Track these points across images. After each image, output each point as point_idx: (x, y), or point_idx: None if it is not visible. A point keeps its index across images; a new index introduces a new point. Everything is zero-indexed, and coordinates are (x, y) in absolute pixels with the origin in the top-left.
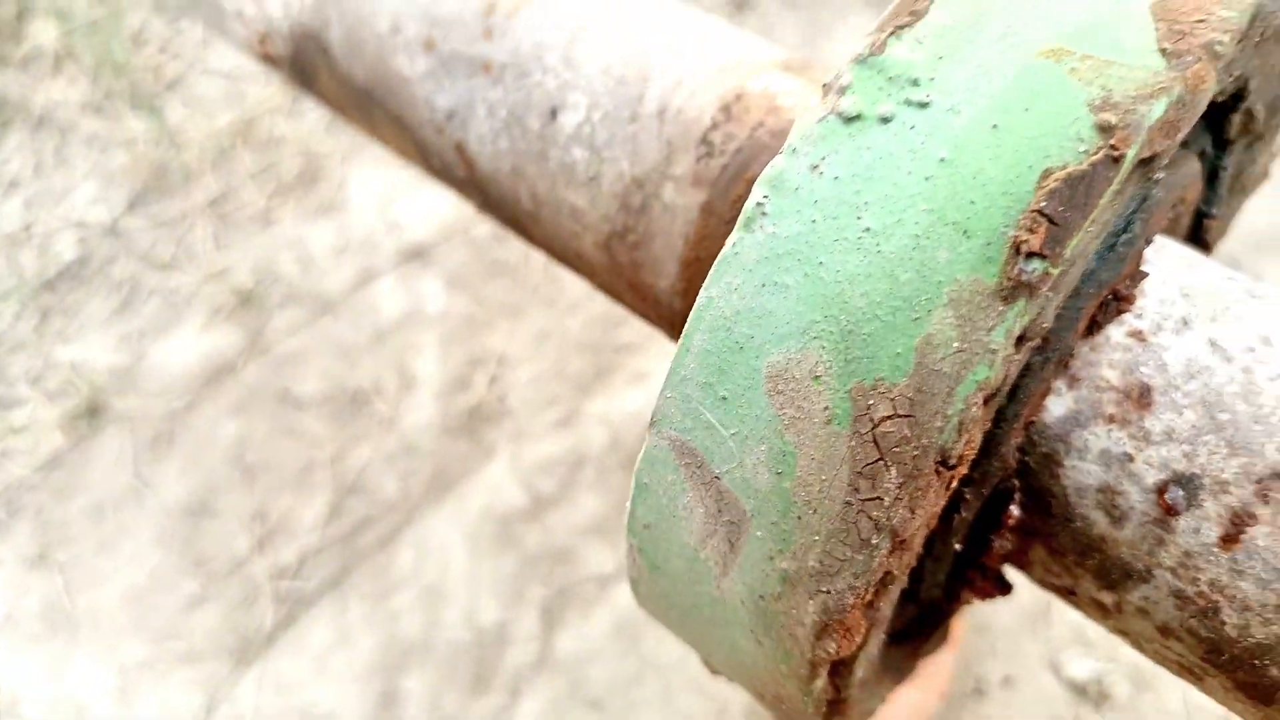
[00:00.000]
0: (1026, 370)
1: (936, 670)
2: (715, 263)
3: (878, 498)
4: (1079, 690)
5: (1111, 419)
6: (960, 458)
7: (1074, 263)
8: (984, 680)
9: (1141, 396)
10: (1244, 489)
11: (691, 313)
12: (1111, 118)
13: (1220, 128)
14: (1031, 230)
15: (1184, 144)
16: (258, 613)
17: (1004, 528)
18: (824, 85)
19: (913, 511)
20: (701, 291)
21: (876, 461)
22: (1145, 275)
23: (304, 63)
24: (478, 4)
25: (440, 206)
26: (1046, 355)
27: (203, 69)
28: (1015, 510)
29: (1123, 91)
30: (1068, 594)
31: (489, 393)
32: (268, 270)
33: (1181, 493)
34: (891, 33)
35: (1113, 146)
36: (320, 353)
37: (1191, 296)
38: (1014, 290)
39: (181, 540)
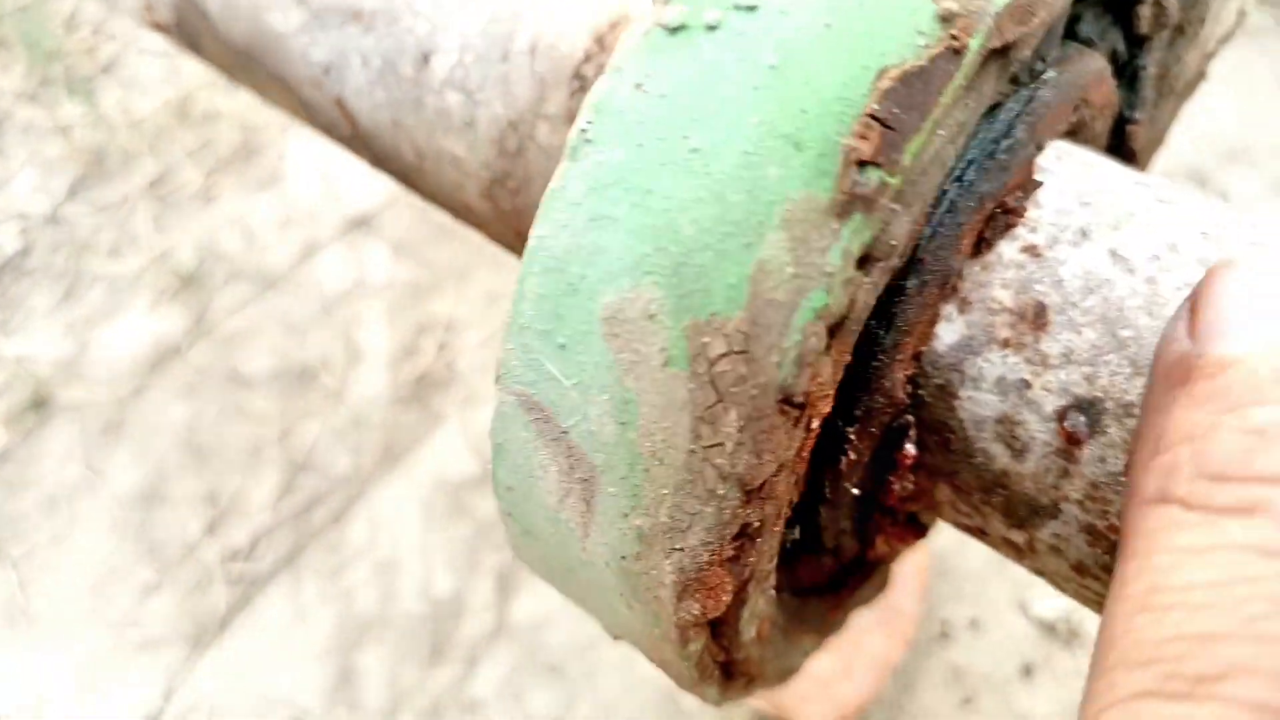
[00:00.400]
0: (901, 294)
1: (901, 617)
2: (544, 198)
3: (720, 444)
4: (1048, 629)
5: (1006, 343)
6: (807, 395)
7: (925, 170)
8: (950, 624)
9: (1037, 316)
10: None
11: (524, 255)
12: (953, 5)
13: (1130, 22)
14: (864, 136)
15: (1085, 40)
16: (212, 596)
17: (901, 468)
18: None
19: (759, 457)
20: (531, 231)
21: (716, 404)
22: (1039, 185)
23: (188, 28)
24: None
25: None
26: (923, 278)
27: (138, 49)
28: (911, 449)
29: None
30: (980, 534)
31: (437, 359)
32: (210, 249)
33: (1083, 419)
34: None
35: (954, 36)
36: (266, 329)
37: (1093, 205)
38: (849, 204)
39: (135, 528)
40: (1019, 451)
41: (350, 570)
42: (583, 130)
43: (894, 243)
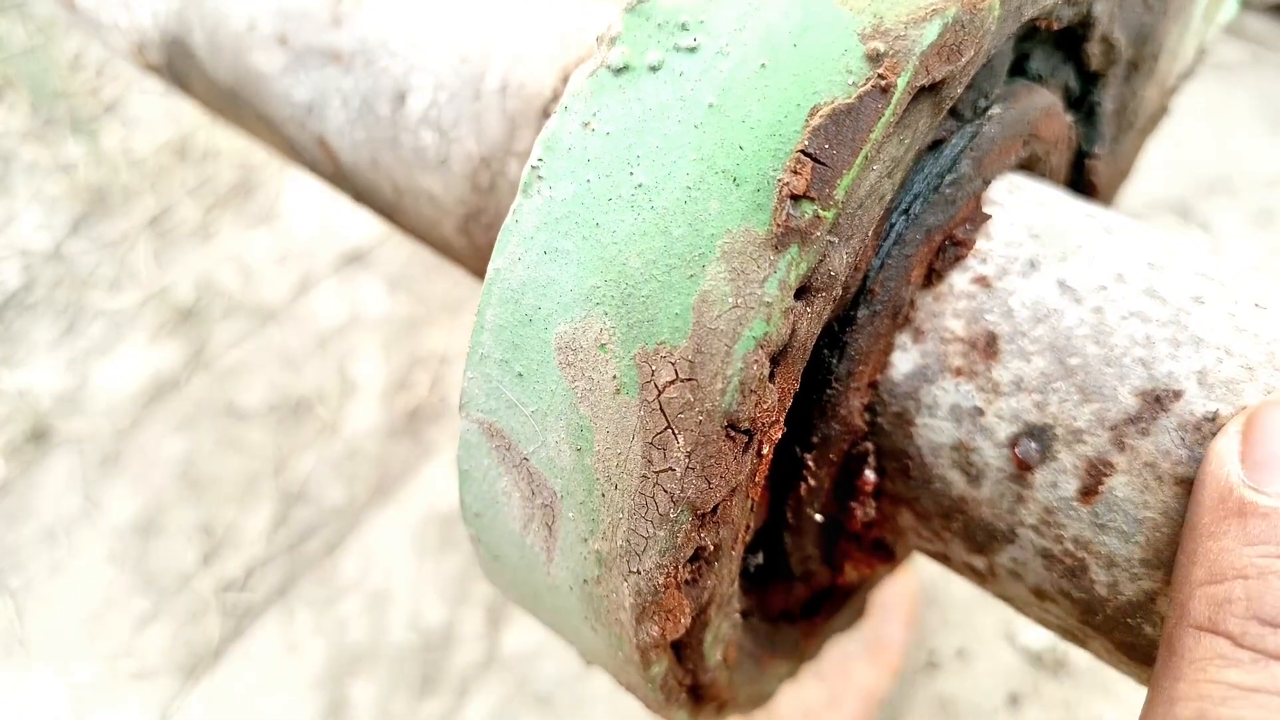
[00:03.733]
0: (851, 324)
1: (888, 647)
2: (500, 232)
3: (670, 469)
4: (1035, 659)
5: (959, 371)
6: (754, 421)
7: (862, 204)
8: (938, 654)
9: (988, 345)
10: (1099, 437)
11: (483, 286)
12: (880, 45)
13: (1080, 59)
14: (796, 172)
15: (1035, 76)
16: (206, 627)
17: (862, 494)
18: (597, 38)
19: (709, 482)
20: (490, 264)
21: (665, 430)
22: (987, 217)
23: (178, 69)
24: None
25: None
26: (874, 308)
27: (139, 89)
28: (870, 475)
29: (894, 17)
30: (944, 560)
31: (431, 393)
32: (209, 284)
33: (1034, 445)
34: None
35: (881, 75)
36: (263, 363)
37: (1041, 237)
38: (784, 237)
39: (132, 559)
40: (974, 477)
41: (342, 601)
42: (534, 167)
43: (833, 273)
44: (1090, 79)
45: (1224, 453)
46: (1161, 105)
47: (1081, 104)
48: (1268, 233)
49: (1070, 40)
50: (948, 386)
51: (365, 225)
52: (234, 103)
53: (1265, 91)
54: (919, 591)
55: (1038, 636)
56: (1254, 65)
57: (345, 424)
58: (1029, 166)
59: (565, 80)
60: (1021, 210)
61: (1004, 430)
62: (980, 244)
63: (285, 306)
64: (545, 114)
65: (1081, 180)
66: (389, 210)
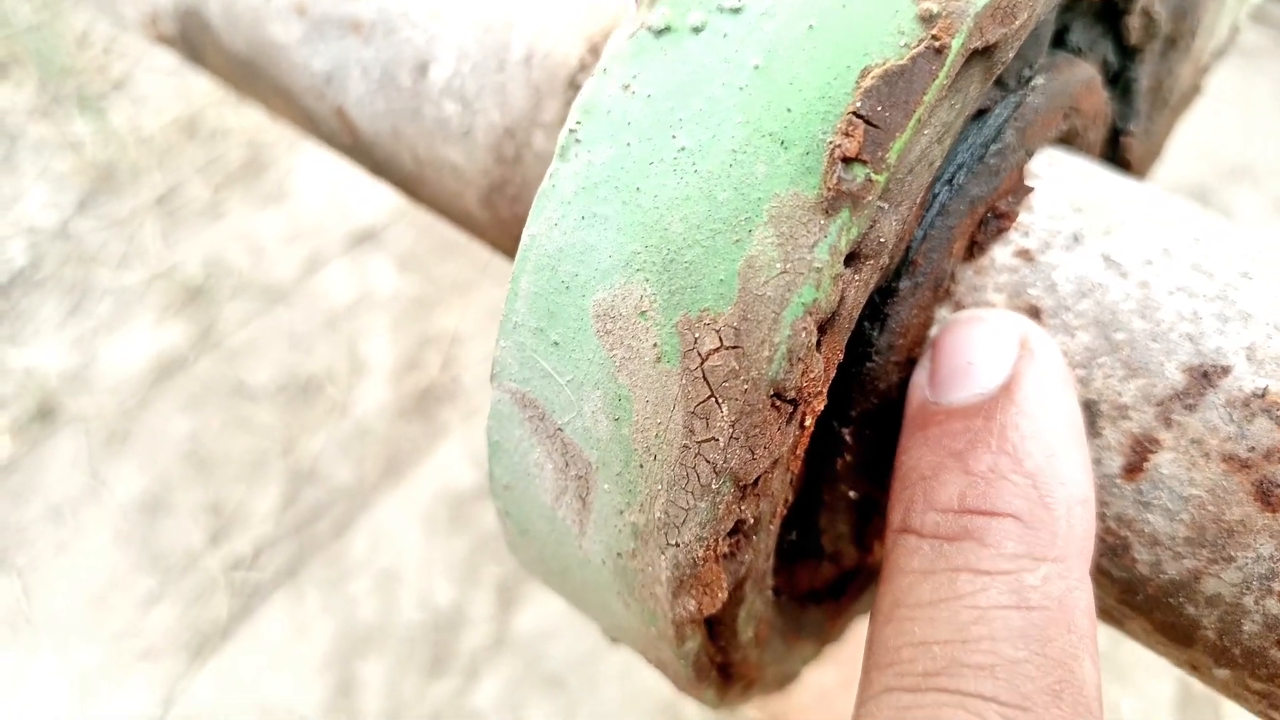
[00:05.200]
0: (893, 296)
1: None
2: (535, 197)
3: (713, 438)
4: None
5: None
6: (800, 390)
7: (912, 169)
8: None
9: (1031, 319)
10: (1144, 413)
11: (517, 253)
12: (933, 6)
13: (1120, 32)
14: (848, 134)
15: (1075, 49)
16: (214, 606)
17: None
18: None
19: (752, 452)
20: (524, 230)
21: (708, 399)
22: (1030, 190)
23: (192, 40)
24: None
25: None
26: (916, 279)
27: (147, 66)
28: None
29: None
30: None
31: (441, 373)
32: (218, 263)
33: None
34: None
35: (935, 36)
36: (272, 342)
37: (1085, 211)
38: (835, 201)
39: (138, 538)
40: None
41: (352, 581)
42: (572, 130)
43: (883, 240)
44: (1128, 54)
45: (917, 381)
46: (1195, 84)
47: (1118, 80)
48: None
49: (1111, 13)
50: None
51: (375, 204)
52: (250, 74)
53: None
54: None
55: None
56: (1276, 52)
57: (355, 404)
58: (1067, 140)
59: (592, 50)
60: (1064, 184)
61: None
62: (1023, 217)
63: (294, 286)
64: (571, 84)
65: (1116, 157)
66: (409, 182)
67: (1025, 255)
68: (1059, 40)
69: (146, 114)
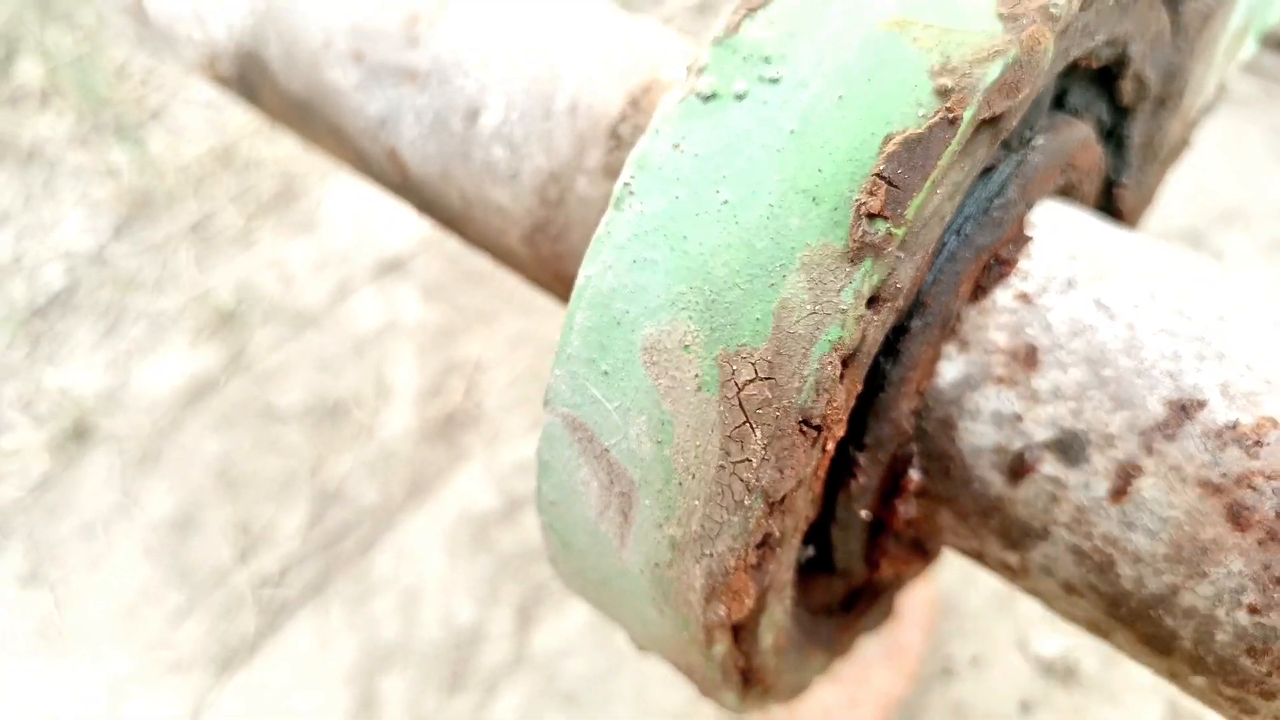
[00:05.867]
0: (905, 334)
1: (906, 652)
2: (591, 242)
3: (746, 459)
4: (1047, 667)
5: (1001, 380)
6: (824, 418)
7: (926, 223)
8: (953, 660)
9: (1028, 357)
10: (1129, 442)
11: (573, 292)
12: (948, 81)
13: (1114, 94)
14: (872, 193)
15: (1072, 110)
16: (241, 621)
17: (905, 493)
18: (686, 67)
19: (781, 472)
20: (580, 271)
21: (743, 424)
22: (1030, 239)
23: (249, 81)
24: (401, 15)
25: (415, 219)
26: (926, 319)
27: (184, 99)
28: (915, 475)
29: (960, 56)
30: (978, 557)
31: (465, 399)
32: (249, 289)
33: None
34: (745, 14)
35: (949, 109)
36: (301, 367)
37: (1079, 258)
38: (860, 251)
39: (168, 554)
40: (1013, 479)
41: (376, 599)
42: (626, 184)
43: (900, 285)
44: (1121, 113)
45: None
46: (1184, 138)
47: (1112, 136)
48: (1277, 263)
49: (1105, 77)
50: (990, 394)
51: (403, 235)
52: (305, 115)
53: (1277, 126)
54: (937, 600)
55: (1050, 645)
56: (1266, 100)
57: (381, 427)
58: (1065, 193)
59: (632, 103)
60: (1061, 233)
61: (1041, 434)
62: (1023, 263)
63: (324, 312)
64: (613, 134)
65: (1110, 207)
66: (455, 221)
67: (1024, 298)
68: (1059, 101)
69: (183, 144)
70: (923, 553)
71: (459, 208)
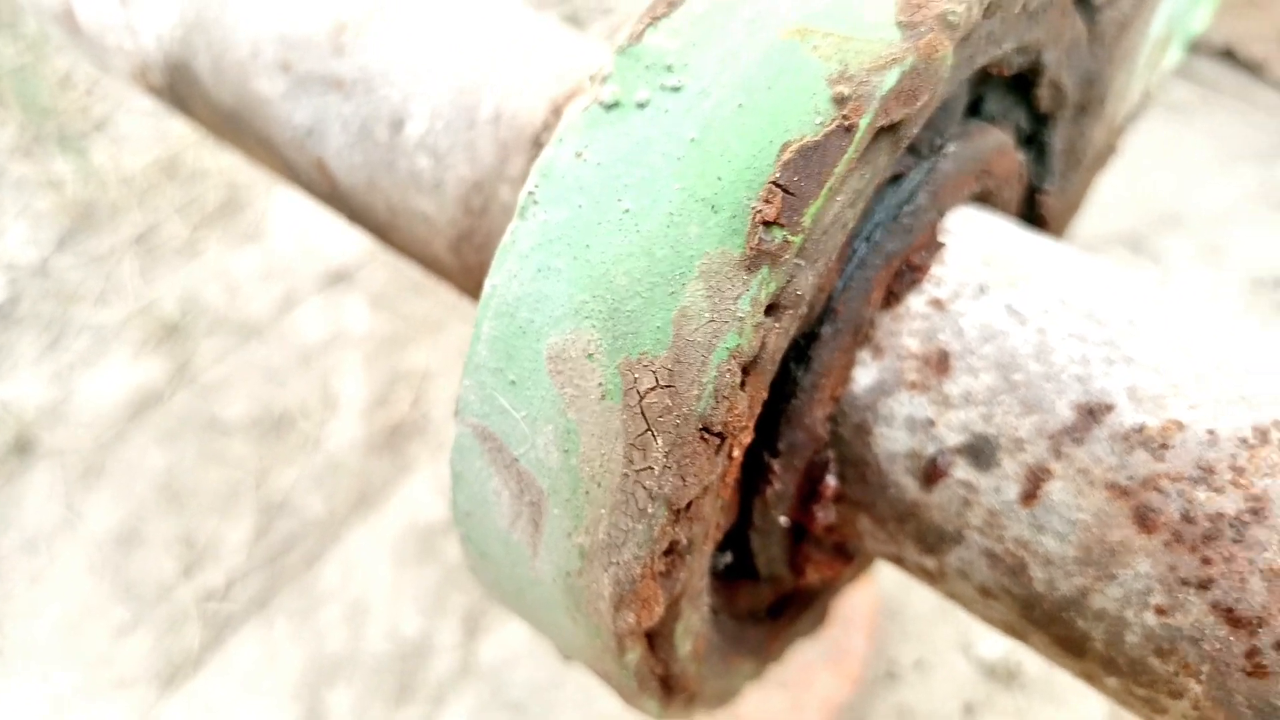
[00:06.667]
0: (816, 340)
1: (850, 656)
2: (496, 251)
3: (649, 467)
4: (990, 670)
5: (914, 385)
6: (726, 425)
7: (827, 231)
8: (896, 664)
9: (940, 362)
10: (1038, 446)
11: (480, 301)
12: (845, 89)
13: (1031, 101)
14: (768, 201)
15: (989, 117)
16: (186, 636)
17: (823, 498)
18: (590, 76)
19: (684, 479)
20: (486, 280)
21: (645, 432)
22: (942, 245)
23: (180, 92)
24: (329, 24)
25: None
26: (837, 325)
27: (128, 108)
28: (832, 481)
29: (858, 64)
30: (898, 561)
31: (412, 409)
32: (194, 300)
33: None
34: (649, 23)
35: (845, 116)
36: (246, 378)
37: (991, 264)
38: (757, 259)
39: (112, 569)
40: (926, 483)
41: (322, 612)
42: (530, 193)
43: (800, 292)
44: (1041, 120)
45: None
46: (1109, 144)
47: (1033, 142)
48: (1215, 266)
49: (1022, 84)
50: (904, 399)
51: (349, 245)
52: (235, 125)
53: (1215, 131)
54: (880, 604)
55: (993, 648)
56: (1204, 106)
57: (327, 438)
58: (983, 200)
59: (555, 112)
60: (974, 239)
61: (953, 439)
62: (935, 269)
63: (269, 323)
64: (536, 143)
65: (1033, 213)
66: (383, 230)
67: (937, 304)
68: (975, 109)
69: (127, 154)
70: (847, 557)
71: (386, 217)
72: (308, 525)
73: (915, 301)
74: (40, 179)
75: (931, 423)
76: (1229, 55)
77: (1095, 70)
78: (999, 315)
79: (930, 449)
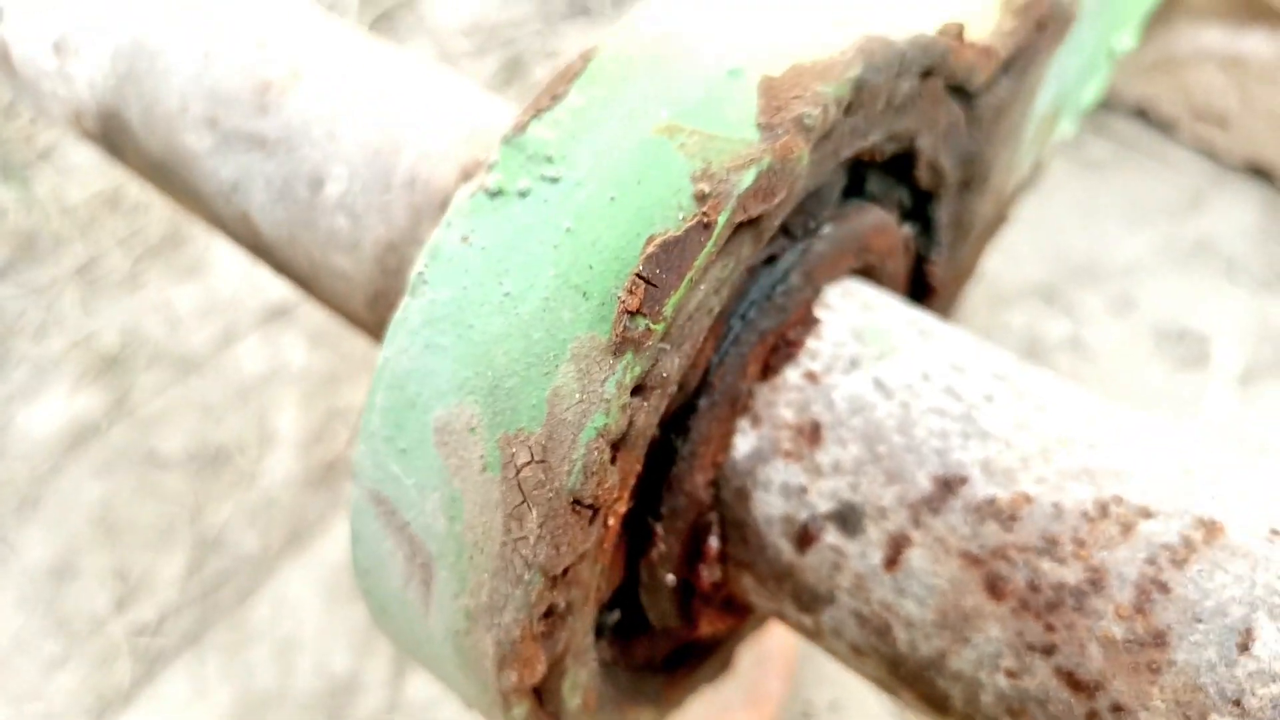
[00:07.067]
0: (694, 412)
1: (765, 698)
2: (389, 326)
3: (525, 537)
4: (902, 710)
5: (789, 454)
6: (597, 498)
7: (692, 316)
8: (812, 705)
9: (813, 433)
10: (900, 514)
11: (374, 373)
12: (706, 187)
13: (913, 181)
14: (632, 291)
15: (871, 196)
16: (117, 671)
17: (708, 558)
18: (477, 162)
19: (558, 549)
20: (380, 352)
21: (521, 504)
22: (817, 321)
23: (112, 139)
24: (254, 83)
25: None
26: (714, 398)
27: (73, 139)
28: (714, 542)
29: (719, 163)
30: (781, 617)
31: (348, 446)
32: (134, 333)
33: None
34: (533, 115)
35: (705, 213)
36: (184, 412)
37: (864, 338)
38: (622, 345)
39: (44, 602)
40: (799, 547)
41: (252, 648)
42: (420, 273)
43: (665, 375)
44: (923, 196)
45: None
46: (999, 214)
47: (918, 216)
48: (1126, 318)
49: (902, 165)
50: (779, 466)
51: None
52: (165, 175)
53: (1128, 187)
54: (796, 647)
55: None
56: (1117, 162)
57: (263, 474)
58: (867, 273)
59: (465, 177)
60: (849, 314)
61: (824, 506)
62: (811, 343)
63: (209, 357)
64: (444, 207)
65: (922, 283)
66: (305, 283)
67: (811, 377)
68: (859, 188)
69: (71, 185)
70: (739, 611)
71: (308, 271)
72: (241, 561)
73: (791, 374)
74: None
75: (804, 489)
76: (1141, 115)
77: (975, 150)
78: (867, 388)
79: (803, 514)
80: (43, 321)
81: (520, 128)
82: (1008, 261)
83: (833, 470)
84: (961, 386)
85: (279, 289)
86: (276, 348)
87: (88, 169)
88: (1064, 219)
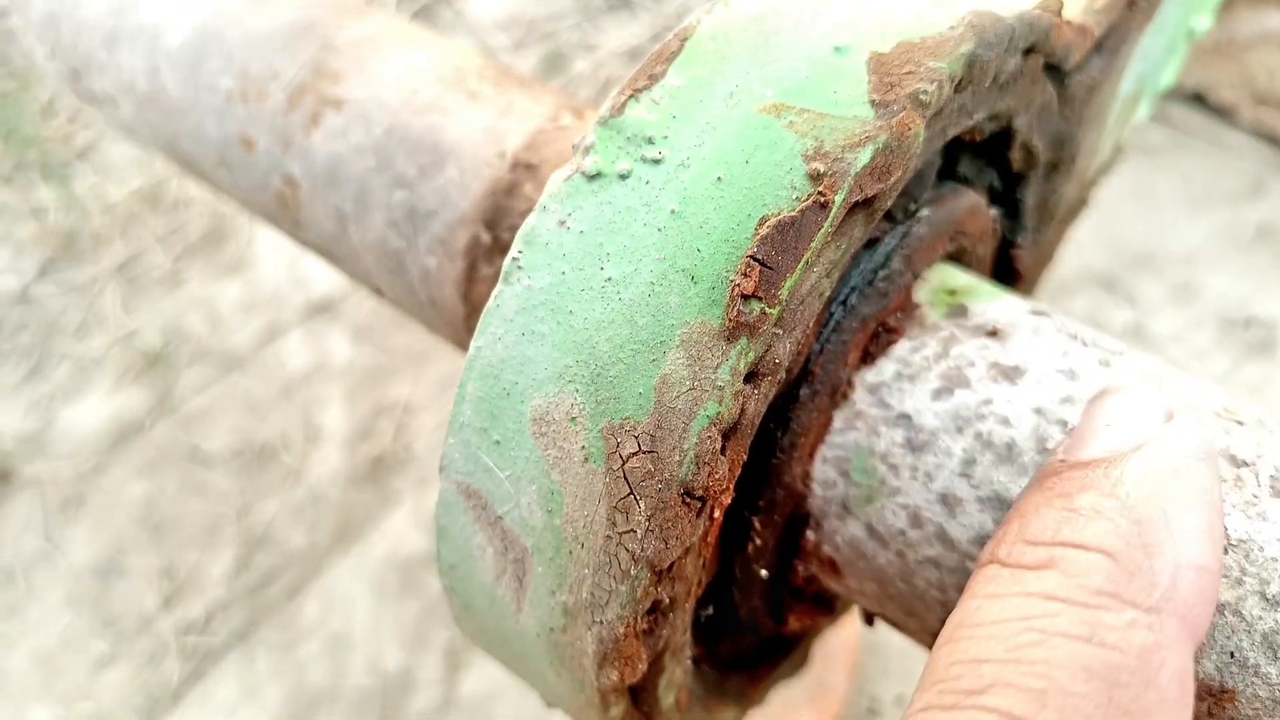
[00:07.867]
0: (795, 402)
1: (830, 694)
2: (482, 314)
3: (632, 530)
4: None
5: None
6: (707, 489)
7: (804, 301)
8: (878, 700)
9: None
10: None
11: (465, 363)
12: (821, 166)
13: (1004, 162)
14: (746, 274)
15: (963, 178)
16: (165, 670)
17: (803, 553)
18: (572, 145)
19: (666, 542)
20: (471, 342)
21: (628, 496)
22: (918, 306)
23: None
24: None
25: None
26: (814, 388)
27: (112, 137)
28: (811, 535)
29: (833, 141)
30: (881, 615)
31: (394, 441)
32: (176, 330)
33: None
34: (631, 95)
35: (821, 193)
36: (228, 409)
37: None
38: (736, 330)
39: (91, 601)
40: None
41: (302, 645)
42: (514, 258)
43: (778, 361)
44: (1013, 179)
45: (1054, 450)
46: (1081, 198)
47: (1006, 200)
48: (1189, 305)
49: (994, 146)
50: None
51: (332, 277)
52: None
53: (1186, 174)
54: (861, 641)
55: None
56: (1175, 149)
57: (309, 471)
58: (957, 258)
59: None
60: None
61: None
62: (908, 331)
63: (252, 354)
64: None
65: (1007, 266)
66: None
67: (906, 365)
68: (950, 171)
69: (110, 183)
70: (829, 607)
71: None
72: (289, 558)
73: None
74: (22, 207)
75: None
76: (1199, 100)
77: (1066, 131)
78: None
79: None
80: (84, 320)
81: (618, 109)
82: (1067, 251)
83: None
84: (1076, 364)
85: (322, 285)
86: (320, 343)
87: (126, 167)
88: (1122, 206)
